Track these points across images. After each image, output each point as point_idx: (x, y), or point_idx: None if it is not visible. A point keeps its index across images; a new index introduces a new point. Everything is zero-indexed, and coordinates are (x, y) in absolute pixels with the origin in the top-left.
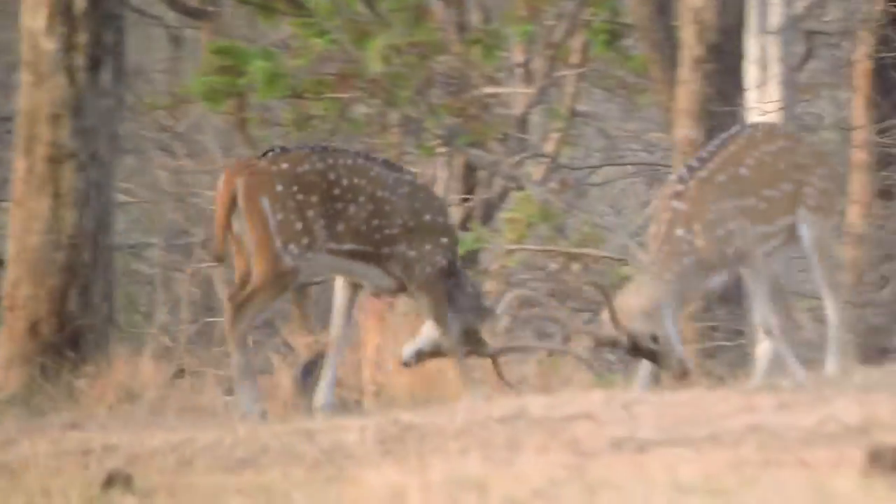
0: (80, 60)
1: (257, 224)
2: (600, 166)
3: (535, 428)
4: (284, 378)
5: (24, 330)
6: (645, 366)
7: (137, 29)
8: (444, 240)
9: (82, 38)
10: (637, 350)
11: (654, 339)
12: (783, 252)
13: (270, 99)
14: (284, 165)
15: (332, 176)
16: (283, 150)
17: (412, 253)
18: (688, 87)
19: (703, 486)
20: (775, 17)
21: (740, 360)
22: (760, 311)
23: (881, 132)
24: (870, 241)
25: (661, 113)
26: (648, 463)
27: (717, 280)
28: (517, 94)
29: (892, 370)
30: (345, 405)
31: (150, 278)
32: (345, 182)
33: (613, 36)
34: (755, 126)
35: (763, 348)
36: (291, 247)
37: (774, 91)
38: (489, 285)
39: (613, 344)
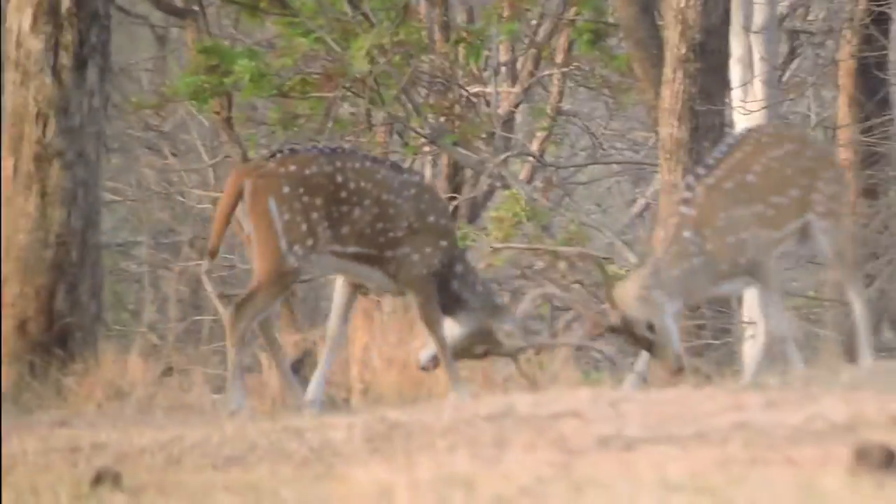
0: (66, 60)
1: (262, 224)
2: (586, 165)
3: (523, 426)
4: (272, 376)
5: (12, 328)
6: (637, 365)
7: (123, 28)
8: (444, 242)
9: (68, 37)
10: (632, 337)
11: (650, 327)
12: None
13: (256, 98)
14: (292, 167)
15: (339, 179)
16: (292, 151)
17: (415, 255)
18: (672, 86)
19: (689, 483)
20: (759, 16)
21: (727, 358)
22: (775, 318)
23: (865, 131)
24: (855, 239)
25: (645, 112)
26: (635, 461)
27: (728, 287)
28: (502, 93)
29: (879, 368)
30: (333, 403)
31: (137, 276)
32: (351, 185)
33: (598, 35)
34: (760, 129)
35: (755, 346)
36: (297, 248)
37: (759, 90)
38: None
39: (612, 330)
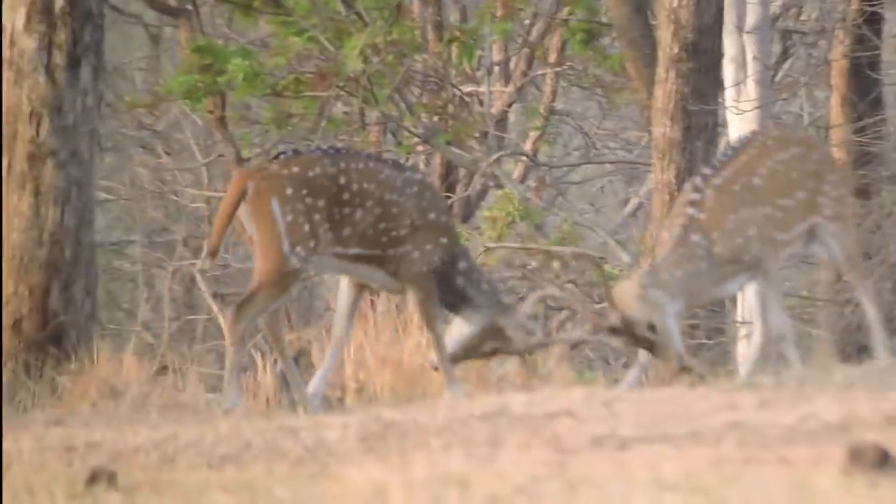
0: (59, 59)
1: (265, 225)
2: (579, 164)
3: (517, 425)
4: (267, 376)
5: (6, 327)
6: (636, 368)
7: (117, 27)
8: (444, 239)
9: (62, 36)
10: (633, 338)
11: (652, 327)
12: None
13: (250, 97)
14: (295, 169)
15: (342, 180)
16: (295, 153)
17: (415, 252)
18: (665, 85)
19: (683, 483)
20: (752, 16)
21: (721, 358)
22: (776, 318)
23: (858, 131)
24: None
25: (638, 111)
26: (629, 460)
27: (730, 287)
28: (495, 92)
29: (872, 368)
30: (327, 402)
31: (131, 275)
32: (354, 187)
33: (591, 35)
34: (765, 133)
35: (751, 346)
36: (299, 249)
37: (752, 90)
38: None
39: (612, 331)
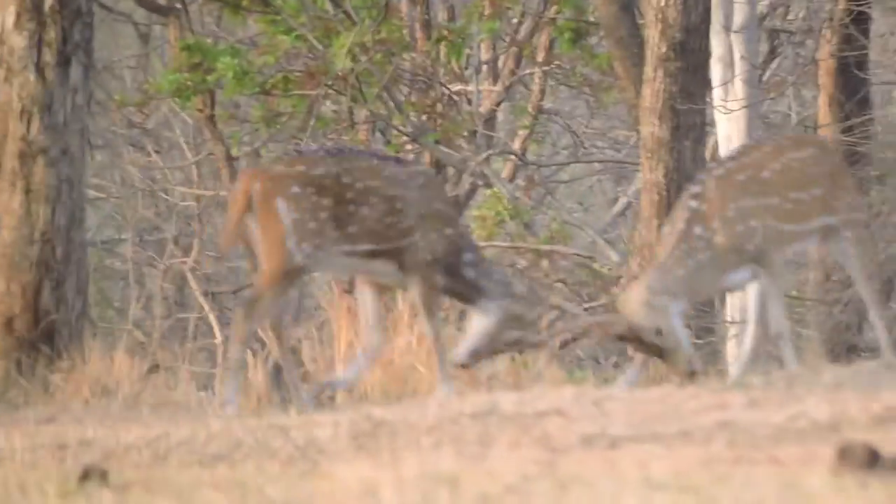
0: (49, 57)
1: (271, 224)
2: (567, 163)
3: (507, 424)
4: (258, 374)
5: None
6: (634, 366)
7: (106, 25)
8: (449, 230)
9: (51, 34)
10: (642, 345)
11: (659, 333)
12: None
13: (239, 95)
14: (300, 168)
15: (346, 179)
16: (299, 153)
17: (420, 242)
18: (653, 84)
19: (673, 482)
20: (740, 15)
21: (711, 357)
22: (775, 312)
23: (846, 130)
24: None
25: (627, 110)
26: (619, 459)
27: (734, 279)
28: (483, 91)
29: (861, 368)
30: (318, 401)
31: (123, 274)
32: (359, 185)
33: (578, 34)
34: (781, 135)
35: (744, 345)
36: (304, 245)
37: (739, 89)
38: None
39: (620, 339)
